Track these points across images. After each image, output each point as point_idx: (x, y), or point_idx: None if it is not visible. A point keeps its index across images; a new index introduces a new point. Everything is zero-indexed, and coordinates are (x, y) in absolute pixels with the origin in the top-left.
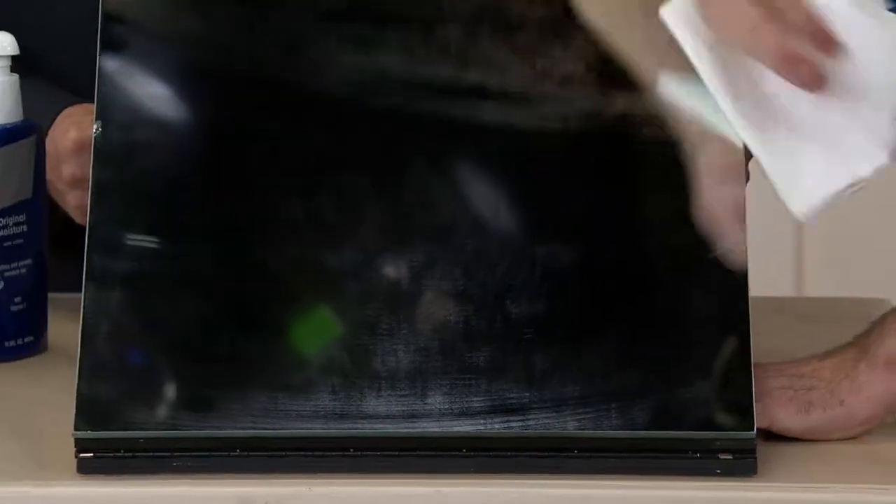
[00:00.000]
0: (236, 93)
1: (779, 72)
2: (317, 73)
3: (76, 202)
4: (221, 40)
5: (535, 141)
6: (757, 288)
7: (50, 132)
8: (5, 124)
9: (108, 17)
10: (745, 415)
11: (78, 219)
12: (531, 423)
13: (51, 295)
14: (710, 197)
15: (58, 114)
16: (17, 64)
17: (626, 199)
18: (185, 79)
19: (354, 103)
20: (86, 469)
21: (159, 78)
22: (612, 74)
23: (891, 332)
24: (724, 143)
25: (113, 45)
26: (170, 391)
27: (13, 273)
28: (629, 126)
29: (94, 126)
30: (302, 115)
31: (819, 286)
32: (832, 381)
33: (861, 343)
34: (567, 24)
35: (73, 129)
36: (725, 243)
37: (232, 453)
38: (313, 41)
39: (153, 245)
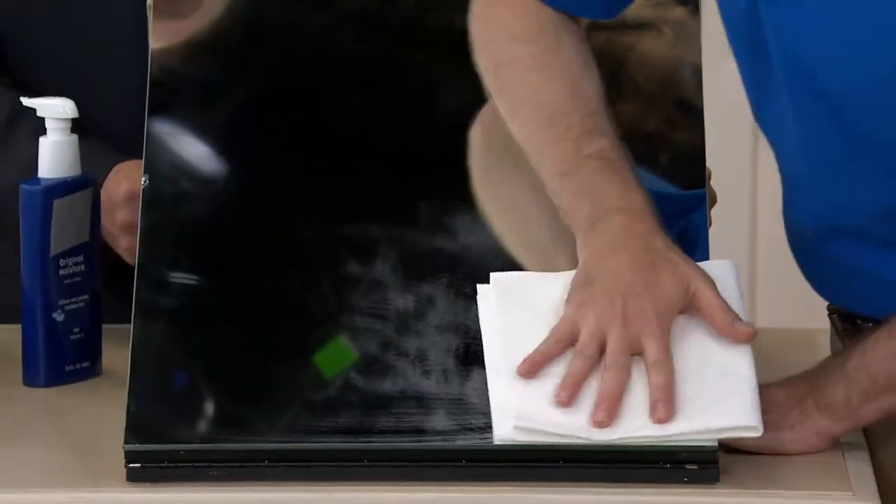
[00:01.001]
0: (266, 148)
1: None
2: (337, 128)
3: (127, 245)
4: (252, 103)
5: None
6: None
7: (104, 184)
8: (66, 178)
9: (154, 85)
10: None
11: (128, 259)
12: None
13: (104, 326)
14: None
15: (109, 168)
16: (74, 124)
17: None
18: (221, 137)
19: (372, 157)
20: (134, 477)
21: (198, 136)
22: None
23: (832, 381)
24: None
25: (158, 110)
26: (207, 410)
27: (73, 306)
28: None
29: (143, 179)
30: (323, 164)
31: (771, 317)
32: (785, 408)
33: (810, 381)
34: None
35: (125, 181)
36: None
37: (261, 464)
38: (332, 103)
39: (193, 282)
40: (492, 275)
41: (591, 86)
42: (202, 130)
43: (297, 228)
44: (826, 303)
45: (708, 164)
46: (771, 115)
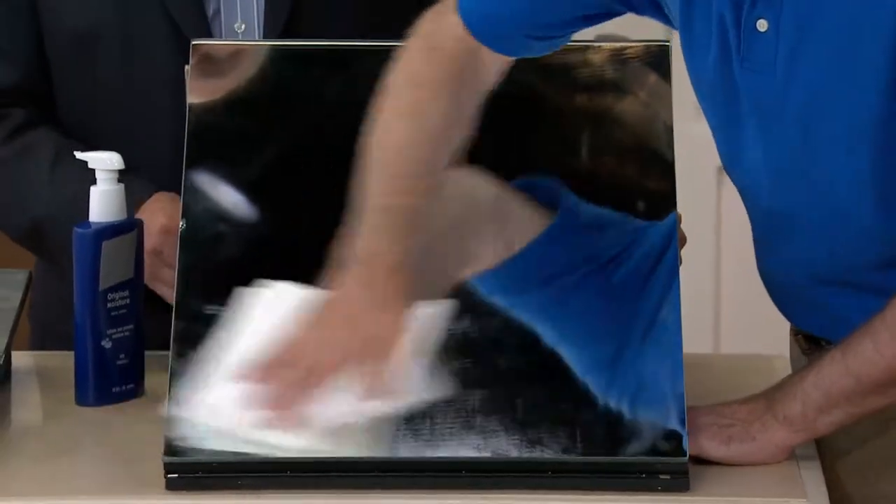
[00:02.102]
0: (293, 195)
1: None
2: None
3: (150, 269)
4: (279, 156)
5: None
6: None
7: (142, 208)
8: (113, 222)
9: (192, 138)
10: (679, 444)
11: (147, 283)
12: (515, 450)
13: (147, 352)
14: None
15: (146, 195)
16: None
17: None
18: (251, 185)
19: None
20: (172, 486)
21: (230, 184)
22: None
23: (790, 396)
24: None
25: (195, 162)
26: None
27: (119, 335)
28: None
29: (181, 223)
30: (343, 209)
31: (733, 344)
32: (747, 422)
33: (769, 398)
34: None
35: (162, 214)
36: None
37: (284, 474)
38: (352, 156)
39: (223, 314)
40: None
41: (440, 149)
42: (235, 179)
43: (320, 268)
44: (785, 329)
45: (678, 209)
46: (743, 168)
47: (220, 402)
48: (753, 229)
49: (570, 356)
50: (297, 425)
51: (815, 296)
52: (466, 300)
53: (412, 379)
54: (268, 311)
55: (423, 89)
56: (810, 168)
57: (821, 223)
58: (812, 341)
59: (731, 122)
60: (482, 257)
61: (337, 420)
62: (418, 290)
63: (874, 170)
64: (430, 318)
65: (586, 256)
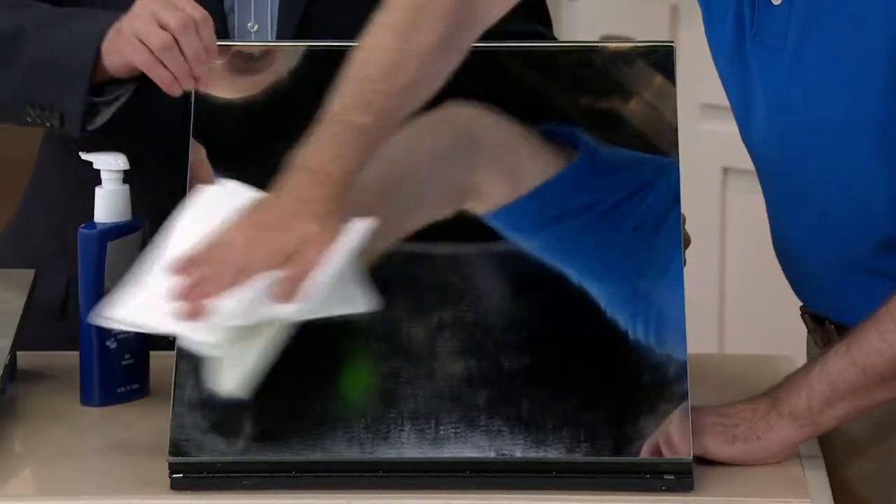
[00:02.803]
0: None
1: None
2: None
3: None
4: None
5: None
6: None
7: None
8: (118, 222)
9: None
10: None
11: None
12: (520, 450)
13: (152, 352)
14: None
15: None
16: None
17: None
18: (255, 183)
19: None
20: (177, 486)
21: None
22: None
23: (794, 391)
24: None
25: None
26: (241, 426)
27: (124, 336)
28: None
29: None
30: None
31: (737, 345)
32: (751, 421)
33: (773, 395)
34: None
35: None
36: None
37: (289, 474)
38: None
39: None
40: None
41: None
42: (243, 178)
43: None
44: (789, 329)
45: (682, 210)
46: (756, 137)
47: (148, 291)
48: (767, 204)
49: (591, 291)
50: (202, 318)
51: (822, 273)
52: (477, 233)
53: (327, 290)
54: (212, 206)
55: (420, 11)
56: (815, 144)
57: (827, 200)
58: (817, 321)
59: (745, 97)
60: (486, 192)
61: (240, 317)
62: (384, 212)
63: (877, 151)
64: (358, 233)
65: (606, 193)
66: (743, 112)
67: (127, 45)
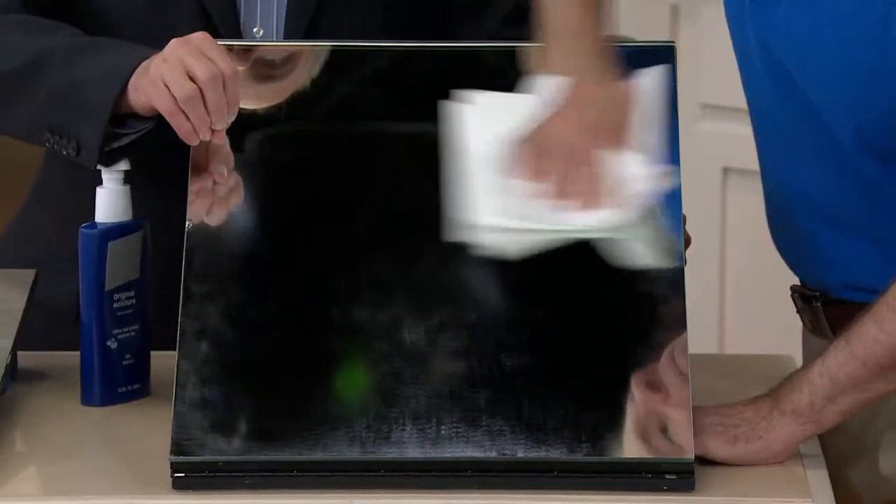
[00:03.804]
0: (303, 196)
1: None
2: (357, 206)
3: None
4: (289, 156)
5: None
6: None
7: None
8: (119, 222)
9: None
10: (685, 445)
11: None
12: (521, 450)
13: (153, 352)
14: None
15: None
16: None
17: (591, 287)
18: (260, 185)
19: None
20: (179, 486)
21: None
22: None
23: (795, 388)
24: None
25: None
26: (243, 426)
27: (125, 335)
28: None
29: (187, 223)
30: (347, 219)
31: (737, 345)
32: (753, 422)
33: (774, 395)
34: None
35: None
36: None
37: (290, 474)
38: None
39: (230, 315)
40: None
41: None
42: (244, 178)
43: (327, 268)
44: (790, 329)
45: (682, 210)
46: (755, 103)
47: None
48: (761, 165)
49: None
50: (585, 206)
51: (810, 233)
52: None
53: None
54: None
55: None
56: (806, 100)
57: (816, 155)
58: (805, 300)
59: (744, 57)
60: None
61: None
62: None
63: (858, 106)
64: (653, 83)
65: None
66: (743, 70)
67: (152, 88)
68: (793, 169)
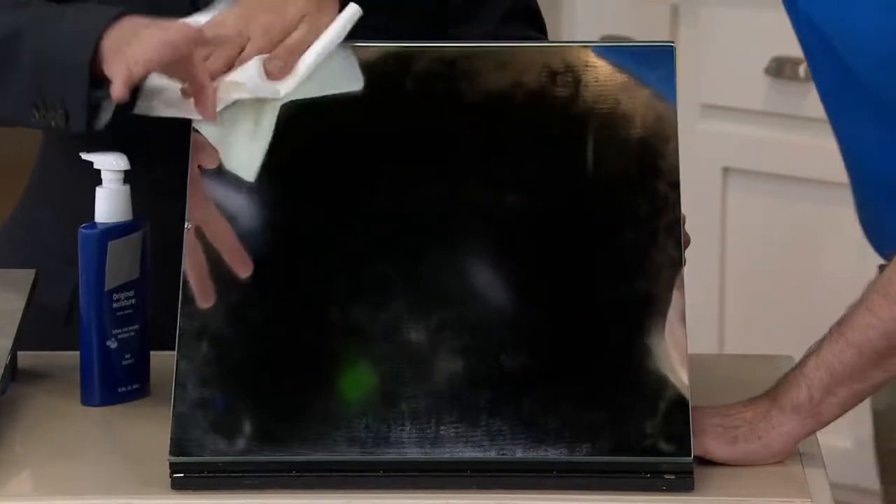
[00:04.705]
0: (301, 194)
1: None
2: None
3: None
4: (286, 157)
5: (520, 238)
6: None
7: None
8: (119, 222)
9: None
10: (684, 445)
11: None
12: (520, 450)
13: (152, 352)
14: None
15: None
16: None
17: (593, 285)
18: (257, 185)
19: (388, 217)
20: (178, 486)
21: (236, 184)
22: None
23: (793, 384)
24: None
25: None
26: (242, 426)
27: (125, 335)
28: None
29: (186, 224)
30: (346, 220)
31: (737, 345)
32: (752, 422)
33: (772, 394)
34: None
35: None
36: None
37: (289, 474)
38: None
39: (230, 315)
40: None
41: None
42: (243, 179)
43: (326, 267)
44: (790, 329)
45: (682, 210)
46: (817, 75)
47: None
48: (838, 140)
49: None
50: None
51: (875, 206)
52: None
53: (314, 68)
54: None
55: None
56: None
57: (872, 122)
58: None
59: (797, 27)
60: None
61: (242, 90)
62: None
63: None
64: (349, 14)
65: None
66: (812, 68)
67: (115, 67)
68: (852, 137)
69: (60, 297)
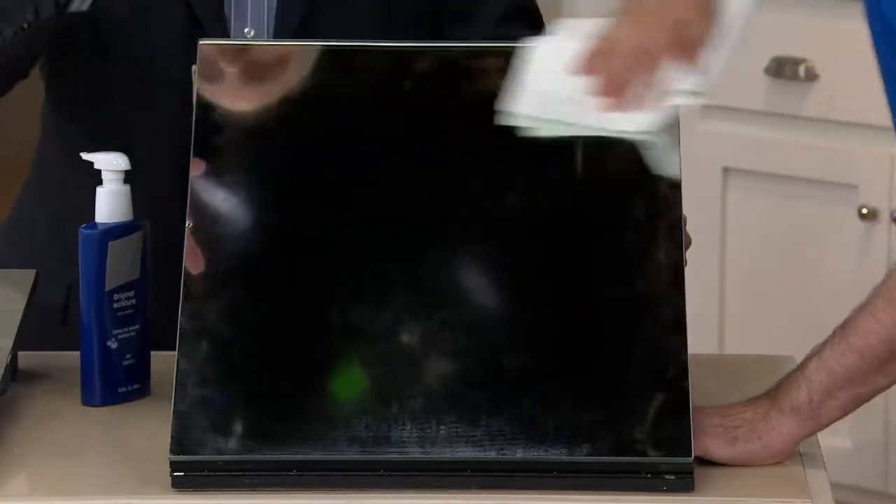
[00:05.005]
0: (301, 195)
1: None
2: (363, 197)
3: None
4: (286, 157)
5: (521, 238)
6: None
7: None
8: (120, 222)
9: (199, 140)
10: (684, 445)
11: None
12: (520, 450)
13: (153, 352)
14: None
15: None
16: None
17: (593, 286)
18: (258, 185)
19: (386, 217)
20: (178, 485)
21: (237, 184)
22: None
23: (793, 386)
24: None
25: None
26: (242, 425)
27: (125, 335)
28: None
29: (188, 222)
30: (346, 220)
31: (738, 345)
32: (752, 422)
33: (772, 394)
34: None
35: None
36: None
37: (289, 473)
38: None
39: (229, 315)
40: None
41: None
42: (242, 179)
43: (326, 267)
44: (789, 329)
45: (683, 210)
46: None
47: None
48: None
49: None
50: (635, 107)
51: None
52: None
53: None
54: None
55: None
56: None
57: None
58: None
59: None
60: None
61: (669, 96)
62: None
63: None
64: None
65: None
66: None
67: None
68: None
69: (56, 297)
